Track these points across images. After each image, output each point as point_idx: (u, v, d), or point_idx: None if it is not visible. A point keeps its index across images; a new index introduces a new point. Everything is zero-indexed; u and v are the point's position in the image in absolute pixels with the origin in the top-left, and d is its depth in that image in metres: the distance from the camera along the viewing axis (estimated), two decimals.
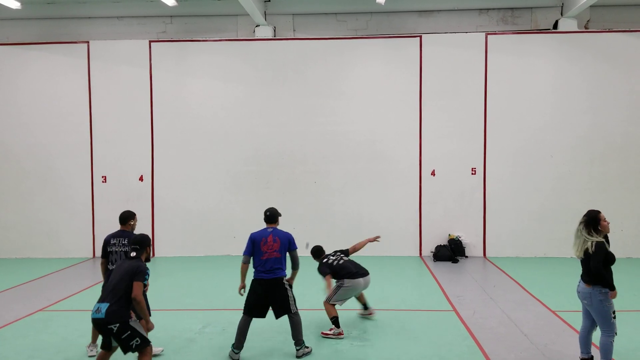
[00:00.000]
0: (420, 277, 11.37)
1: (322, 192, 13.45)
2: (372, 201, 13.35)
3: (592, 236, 5.87)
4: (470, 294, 9.68)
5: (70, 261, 13.10)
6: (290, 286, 6.77)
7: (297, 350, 6.65)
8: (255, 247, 6.67)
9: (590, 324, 6.11)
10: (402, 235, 13.36)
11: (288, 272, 6.83)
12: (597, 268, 5.72)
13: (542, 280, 10.66)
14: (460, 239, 13.13)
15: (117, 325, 5.37)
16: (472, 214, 13.31)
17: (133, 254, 5.76)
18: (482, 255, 13.31)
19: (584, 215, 6.08)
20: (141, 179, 13.67)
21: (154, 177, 13.67)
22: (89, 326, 7.87)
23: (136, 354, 5.65)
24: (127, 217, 6.97)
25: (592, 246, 5.82)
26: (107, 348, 5.75)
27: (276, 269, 6.61)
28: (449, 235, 13.24)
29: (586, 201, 12.97)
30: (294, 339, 6.70)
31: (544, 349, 6.82)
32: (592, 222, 5.94)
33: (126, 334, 5.41)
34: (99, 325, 5.43)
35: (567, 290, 9.89)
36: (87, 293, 10.04)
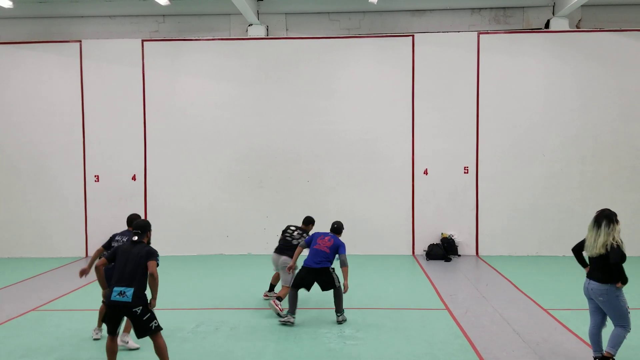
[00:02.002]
0: (413, 275, 11.40)
1: (316, 191, 13.46)
2: (365, 200, 13.38)
3: (614, 231, 5.97)
4: (462, 293, 9.72)
5: (63, 260, 13.05)
6: (339, 282, 8.03)
7: (338, 316, 7.95)
8: (313, 240, 8.11)
9: (600, 321, 6.16)
10: (395, 233, 13.40)
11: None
12: (619, 262, 5.82)
13: (534, 279, 10.71)
14: (452, 237, 13.17)
15: (141, 308, 5.73)
16: (465, 212, 13.37)
17: (135, 237, 6.02)
18: (475, 253, 13.37)
19: (602, 213, 6.13)
20: (134, 178, 13.64)
21: (146, 177, 13.64)
22: (81, 325, 7.87)
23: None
24: (132, 220, 7.07)
25: (614, 241, 5.93)
26: (115, 333, 5.95)
27: (323, 261, 7.90)
28: (442, 234, 13.28)
29: (578, 199, 13.10)
30: (335, 307, 7.96)
31: (535, 347, 6.86)
32: (614, 217, 6.02)
33: (147, 316, 5.79)
34: (122, 308, 5.72)
35: (559, 289, 9.97)
36: (80, 293, 10.02)
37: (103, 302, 6.51)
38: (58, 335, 7.54)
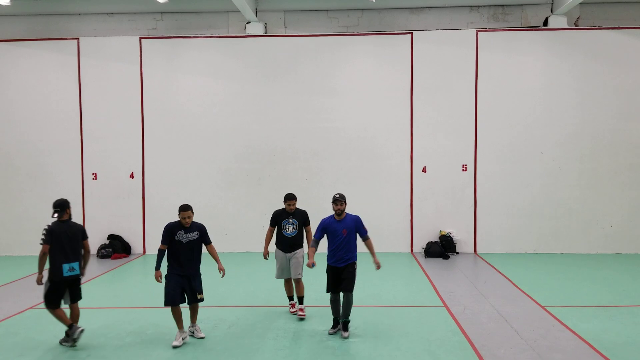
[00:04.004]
0: (412, 273, 11.41)
1: (314, 189, 13.45)
2: (364, 198, 13.36)
3: None
4: (460, 290, 9.73)
5: None
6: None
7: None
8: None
9: None
10: (394, 231, 13.40)
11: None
12: None
13: (532, 276, 10.72)
14: (451, 235, 13.18)
15: (81, 277, 7.23)
16: (463, 210, 13.37)
17: (55, 215, 7.09)
18: (473, 251, 13.37)
19: None
20: (132, 176, 13.62)
21: (144, 174, 13.63)
22: (79, 324, 7.85)
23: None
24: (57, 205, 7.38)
25: None
26: (60, 305, 7.07)
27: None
28: (440, 231, 13.29)
29: (576, 197, 13.12)
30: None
31: (533, 344, 6.87)
32: None
33: (80, 284, 7.29)
34: (71, 281, 7.08)
35: (556, 286, 9.99)
36: None
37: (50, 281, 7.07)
38: (56, 333, 7.53)
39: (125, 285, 10.72)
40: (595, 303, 8.87)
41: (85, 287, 10.17)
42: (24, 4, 13.44)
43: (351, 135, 13.42)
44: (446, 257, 12.72)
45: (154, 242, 13.41)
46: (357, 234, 7.66)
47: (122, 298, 9.62)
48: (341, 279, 7.35)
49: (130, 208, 13.59)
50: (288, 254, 8.16)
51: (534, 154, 13.19)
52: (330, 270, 7.47)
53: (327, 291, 7.50)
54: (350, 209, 13.28)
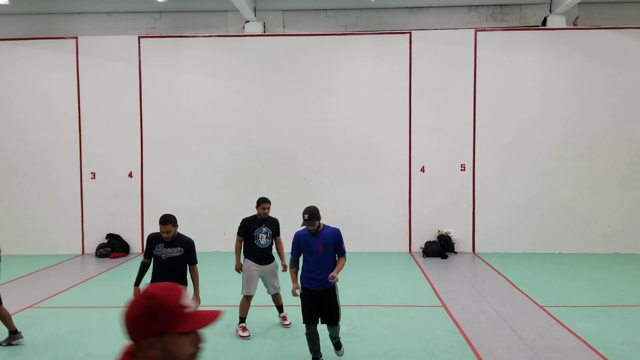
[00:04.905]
0: (410, 272, 11.42)
1: (312, 188, 13.45)
2: (362, 197, 13.38)
3: None
4: (459, 290, 9.74)
5: (59, 258, 13.02)
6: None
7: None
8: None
9: None
10: (392, 231, 13.41)
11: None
12: None
13: (530, 276, 10.73)
14: (449, 235, 13.19)
15: None
16: (462, 210, 13.38)
17: None
18: (471, 251, 13.39)
19: None
20: (130, 175, 13.61)
21: (143, 174, 13.62)
22: (78, 323, 7.87)
23: None
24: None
25: None
26: None
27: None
28: (439, 231, 13.30)
29: (574, 197, 13.14)
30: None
31: (531, 344, 6.88)
32: None
33: None
34: None
35: (554, 286, 10.00)
36: (76, 290, 10.00)
37: None
38: (54, 332, 7.54)
39: (123, 285, 10.69)
40: (594, 303, 8.89)
41: (83, 287, 10.22)
42: (22, 3, 13.41)
43: (350, 134, 13.43)
44: (444, 257, 12.72)
45: None
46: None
47: (120, 297, 9.60)
48: (322, 308, 6.08)
49: (128, 207, 13.58)
50: (263, 267, 7.45)
51: (532, 153, 13.20)
52: (305, 295, 6.14)
53: (304, 322, 6.18)
54: (349, 208, 13.41)
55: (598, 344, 6.83)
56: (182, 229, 13.48)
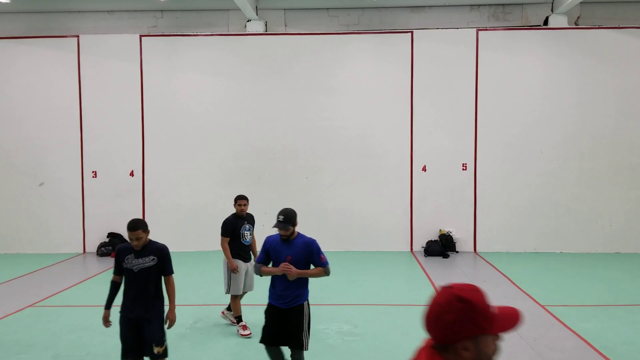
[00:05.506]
0: (411, 272, 11.42)
1: (314, 188, 13.45)
2: (363, 196, 13.37)
3: None
4: None
5: (60, 257, 13.03)
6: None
7: None
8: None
9: None
10: (393, 230, 13.40)
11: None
12: None
13: (531, 275, 10.72)
14: (451, 234, 13.18)
15: None
16: (463, 209, 13.37)
17: None
18: (473, 250, 13.38)
19: None
20: (132, 174, 13.62)
21: (144, 172, 13.62)
22: (79, 321, 7.88)
23: None
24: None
25: None
26: None
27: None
28: (440, 230, 13.29)
29: (575, 196, 13.12)
30: None
31: (532, 343, 6.88)
32: None
33: None
34: None
35: (556, 285, 9.99)
36: (77, 289, 10.01)
37: None
38: (55, 331, 7.55)
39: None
40: (595, 302, 8.88)
41: (84, 285, 10.24)
42: (23, 2, 13.40)
43: (351, 133, 13.42)
44: (446, 256, 12.72)
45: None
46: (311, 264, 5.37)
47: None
48: (285, 329, 5.19)
49: (130, 206, 13.57)
50: (247, 264, 7.49)
51: (534, 153, 13.19)
52: (269, 312, 5.30)
53: (261, 341, 5.30)
54: (350, 207, 13.41)
55: (599, 343, 6.83)
56: (183, 227, 13.58)
